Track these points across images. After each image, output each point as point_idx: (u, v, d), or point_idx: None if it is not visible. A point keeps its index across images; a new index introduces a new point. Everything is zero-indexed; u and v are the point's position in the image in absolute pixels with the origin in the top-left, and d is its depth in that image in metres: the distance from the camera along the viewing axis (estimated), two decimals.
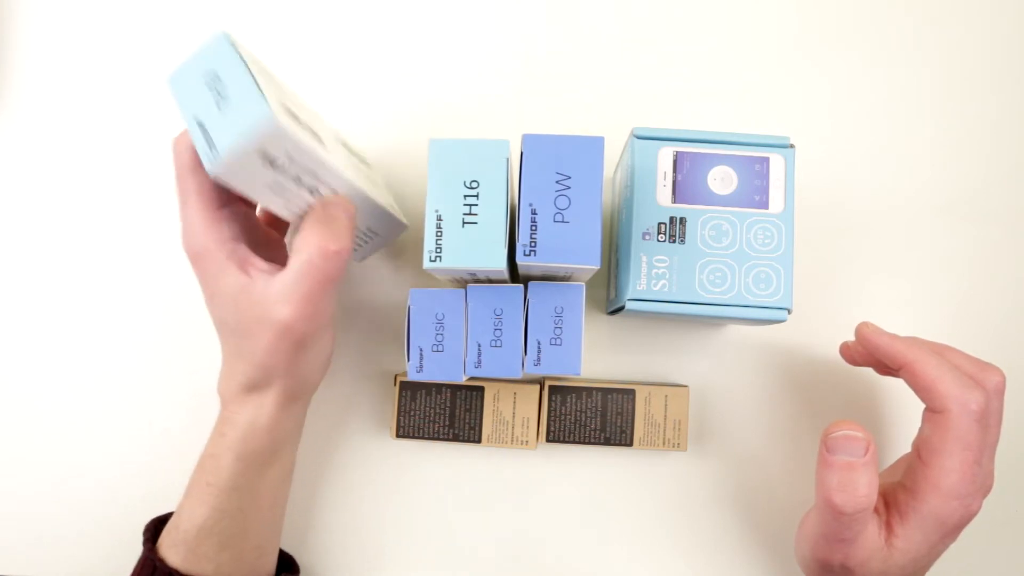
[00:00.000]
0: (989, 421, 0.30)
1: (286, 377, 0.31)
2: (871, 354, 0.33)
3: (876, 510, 0.31)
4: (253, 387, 0.32)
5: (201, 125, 0.26)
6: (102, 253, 0.41)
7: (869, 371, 0.37)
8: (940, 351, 0.32)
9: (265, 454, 0.32)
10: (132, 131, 0.41)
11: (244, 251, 0.30)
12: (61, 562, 0.40)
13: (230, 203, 0.31)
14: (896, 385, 0.38)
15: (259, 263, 0.30)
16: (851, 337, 0.36)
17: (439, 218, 0.27)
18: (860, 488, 0.28)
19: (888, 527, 0.31)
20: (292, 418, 0.33)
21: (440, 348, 0.30)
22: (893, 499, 0.31)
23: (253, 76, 0.25)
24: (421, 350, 0.30)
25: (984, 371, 0.31)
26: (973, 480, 0.30)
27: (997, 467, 0.32)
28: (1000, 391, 0.31)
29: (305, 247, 0.29)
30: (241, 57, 0.26)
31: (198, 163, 0.29)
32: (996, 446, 0.31)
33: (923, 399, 0.31)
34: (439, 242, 0.27)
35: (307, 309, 0.29)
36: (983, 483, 0.31)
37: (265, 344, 0.30)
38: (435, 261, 0.27)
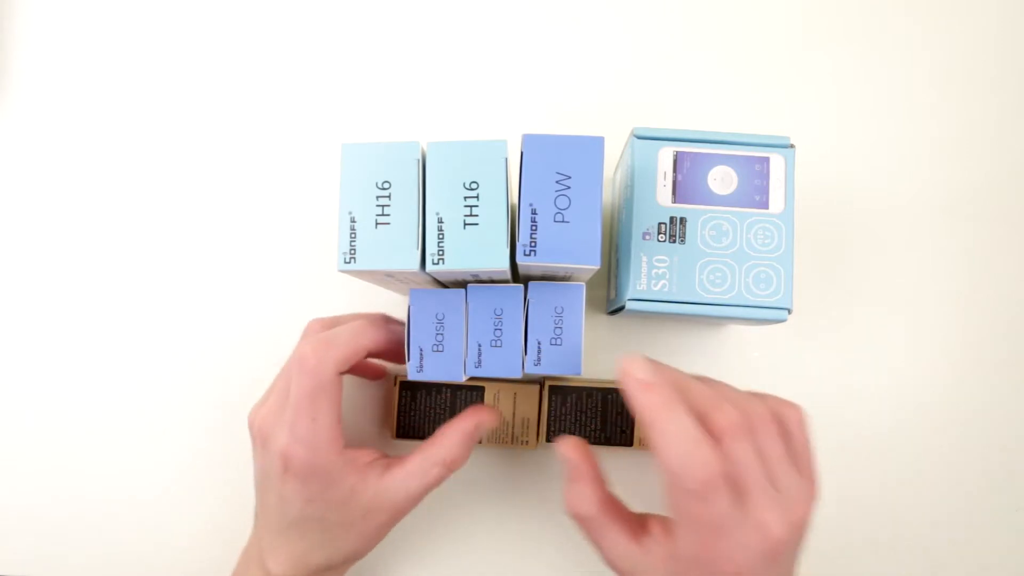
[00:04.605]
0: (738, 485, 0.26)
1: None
2: None
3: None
4: (326, 571, 0.33)
5: (352, 219, 0.27)
6: (104, 255, 0.41)
7: (872, 371, 0.37)
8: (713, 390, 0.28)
9: None
10: (133, 131, 0.41)
11: (352, 452, 0.32)
12: (61, 562, 0.40)
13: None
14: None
15: (364, 456, 0.32)
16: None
17: (440, 221, 0.27)
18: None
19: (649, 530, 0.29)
20: None
21: (440, 348, 0.30)
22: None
23: (421, 212, 0.27)
24: (421, 350, 0.30)
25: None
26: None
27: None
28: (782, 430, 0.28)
29: None
30: (421, 182, 0.27)
31: (337, 376, 0.30)
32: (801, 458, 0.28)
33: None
34: (441, 245, 0.27)
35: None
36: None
37: (380, 525, 0.32)
38: (438, 264, 0.27)
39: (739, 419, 0.26)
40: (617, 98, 0.41)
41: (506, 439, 0.37)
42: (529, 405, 0.37)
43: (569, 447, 0.30)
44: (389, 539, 0.39)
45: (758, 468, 0.26)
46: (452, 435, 0.33)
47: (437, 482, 0.32)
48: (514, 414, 0.37)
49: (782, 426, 0.28)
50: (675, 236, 0.31)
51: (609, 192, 0.39)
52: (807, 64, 0.41)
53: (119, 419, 0.40)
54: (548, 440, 0.37)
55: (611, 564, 0.30)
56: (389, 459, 0.33)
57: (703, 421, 0.26)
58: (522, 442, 0.37)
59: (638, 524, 0.29)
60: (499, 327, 0.30)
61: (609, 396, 0.37)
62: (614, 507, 0.30)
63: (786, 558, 0.27)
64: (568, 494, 0.30)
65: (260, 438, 0.31)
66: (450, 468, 0.32)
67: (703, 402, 0.27)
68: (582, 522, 0.30)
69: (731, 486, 0.26)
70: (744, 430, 0.26)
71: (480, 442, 0.37)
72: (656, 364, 0.27)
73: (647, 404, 0.26)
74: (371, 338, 0.31)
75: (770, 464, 0.27)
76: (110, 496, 0.40)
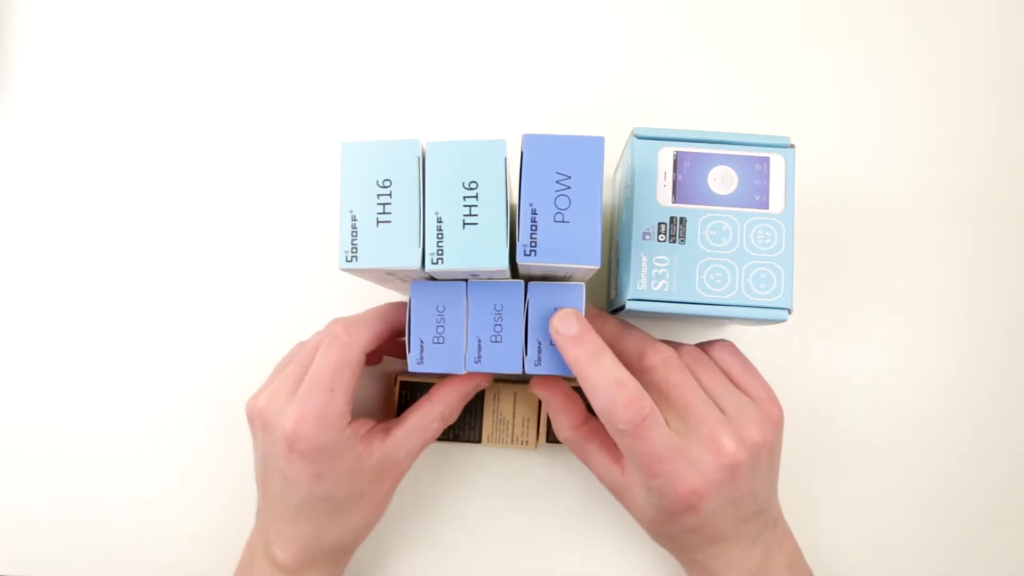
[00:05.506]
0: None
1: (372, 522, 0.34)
2: None
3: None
4: (335, 552, 0.33)
5: (353, 218, 0.27)
6: (104, 254, 0.41)
7: (872, 371, 0.37)
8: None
9: None
10: (133, 131, 0.41)
11: (355, 424, 0.32)
12: (61, 562, 0.40)
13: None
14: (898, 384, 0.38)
15: (363, 425, 0.32)
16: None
17: (439, 220, 0.27)
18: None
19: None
20: None
21: (441, 340, 0.30)
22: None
23: (422, 209, 0.27)
24: (422, 342, 0.30)
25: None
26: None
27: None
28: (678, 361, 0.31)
29: None
30: (421, 180, 0.27)
31: (363, 355, 0.31)
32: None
33: None
34: (440, 244, 0.27)
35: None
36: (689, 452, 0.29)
37: (388, 488, 0.33)
38: (437, 264, 0.27)
39: (671, 353, 0.30)
40: (617, 98, 0.41)
41: (506, 439, 0.37)
42: (529, 405, 0.37)
43: (537, 387, 0.34)
44: (390, 539, 0.39)
45: (696, 389, 0.29)
46: (450, 394, 0.33)
47: (434, 437, 0.34)
48: (514, 414, 0.37)
49: (716, 360, 0.32)
50: (675, 236, 0.31)
51: (609, 192, 0.39)
52: (807, 64, 0.41)
53: (119, 419, 0.40)
54: (548, 440, 0.37)
55: (601, 481, 0.33)
56: (385, 423, 0.33)
57: (639, 360, 0.30)
58: (522, 442, 0.37)
59: (618, 448, 0.31)
60: (499, 323, 0.30)
61: None
62: (593, 431, 0.33)
63: (746, 477, 0.29)
64: (553, 423, 0.34)
65: (261, 422, 0.31)
66: (446, 423, 0.34)
67: (638, 343, 0.31)
68: (566, 444, 0.33)
69: (669, 408, 0.29)
70: (675, 361, 0.30)
71: (480, 442, 0.37)
72: (586, 321, 0.29)
73: (575, 357, 0.28)
74: (395, 319, 0.32)
75: (710, 389, 0.30)
76: (110, 496, 0.40)
